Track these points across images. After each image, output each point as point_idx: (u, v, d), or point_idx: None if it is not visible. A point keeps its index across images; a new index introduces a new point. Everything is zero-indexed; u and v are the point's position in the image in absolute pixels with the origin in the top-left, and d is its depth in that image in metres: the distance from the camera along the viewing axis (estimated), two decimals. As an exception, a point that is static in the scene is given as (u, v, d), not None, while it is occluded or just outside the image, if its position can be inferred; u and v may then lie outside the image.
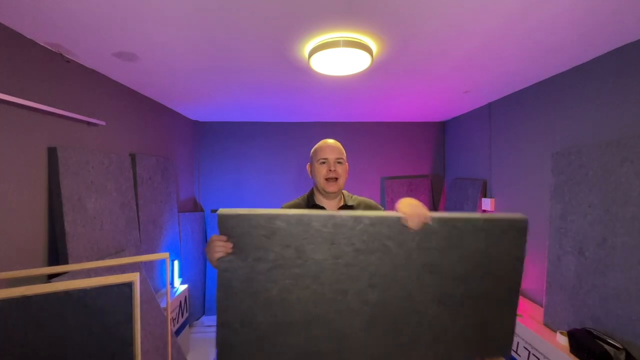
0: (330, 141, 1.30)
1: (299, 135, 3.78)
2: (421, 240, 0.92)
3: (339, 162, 1.26)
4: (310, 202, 1.30)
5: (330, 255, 0.91)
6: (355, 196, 1.36)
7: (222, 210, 0.90)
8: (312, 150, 1.33)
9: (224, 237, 0.89)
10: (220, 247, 0.88)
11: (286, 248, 0.90)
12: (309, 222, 0.90)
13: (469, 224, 0.94)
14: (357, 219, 0.90)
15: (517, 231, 1.02)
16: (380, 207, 1.36)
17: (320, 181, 1.26)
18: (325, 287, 0.92)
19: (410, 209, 0.90)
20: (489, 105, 2.87)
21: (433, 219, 0.91)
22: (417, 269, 0.93)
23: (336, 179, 1.24)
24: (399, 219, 0.90)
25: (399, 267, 0.93)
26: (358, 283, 0.92)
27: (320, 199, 1.30)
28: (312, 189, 1.36)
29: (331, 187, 1.24)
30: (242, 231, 0.89)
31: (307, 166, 1.36)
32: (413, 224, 0.89)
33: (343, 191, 1.34)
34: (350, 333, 0.94)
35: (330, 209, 1.28)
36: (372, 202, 1.36)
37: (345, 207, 1.30)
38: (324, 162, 1.26)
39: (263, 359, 0.94)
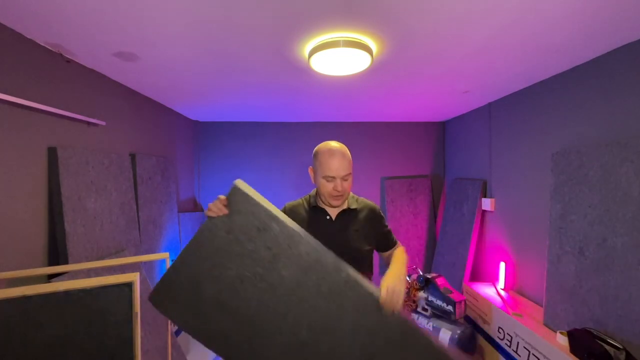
0: (338, 153, 1.15)
1: (299, 135, 3.78)
2: (376, 326, 0.93)
3: (346, 179, 1.16)
4: (311, 204, 1.26)
5: (296, 280, 0.92)
6: (360, 199, 1.31)
7: (239, 183, 0.94)
8: (315, 154, 1.21)
9: (225, 202, 0.92)
10: (217, 207, 0.92)
11: (267, 249, 0.92)
12: (298, 244, 0.92)
13: (420, 346, 0.92)
14: (338, 269, 0.92)
15: None
16: (383, 215, 1.32)
17: (325, 195, 1.18)
18: (273, 300, 0.93)
19: (390, 295, 0.93)
20: (489, 105, 2.87)
21: (399, 317, 0.93)
22: (357, 349, 0.92)
23: (342, 194, 1.18)
24: (371, 295, 0.92)
25: (344, 335, 0.92)
26: (300, 318, 0.93)
27: (322, 202, 1.25)
28: (316, 190, 1.29)
29: (336, 202, 1.19)
30: (242, 210, 0.92)
31: (309, 170, 1.25)
32: (386, 307, 0.92)
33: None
34: (268, 355, 0.95)
35: (332, 210, 1.24)
36: (376, 207, 1.31)
37: (348, 210, 1.24)
38: (330, 180, 1.15)
39: (192, 321, 0.96)
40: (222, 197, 0.93)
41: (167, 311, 0.98)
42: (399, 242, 1.35)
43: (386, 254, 1.33)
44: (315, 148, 1.24)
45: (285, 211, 1.27)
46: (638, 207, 1.50)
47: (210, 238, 0.93)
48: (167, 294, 0.97)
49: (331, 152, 1.16)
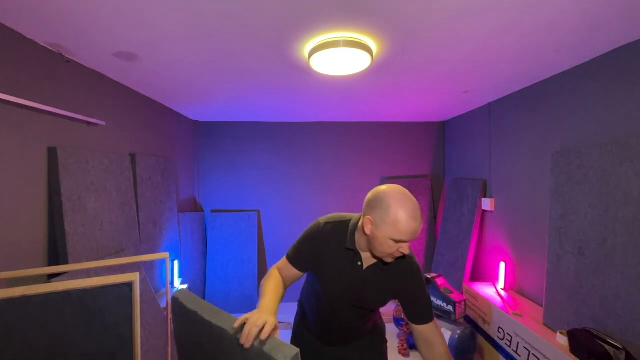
0: (419, 215, 0.96)
1: (299, 135, 3.78)
2: None
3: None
4: (347, 242, 1.09)
5: None
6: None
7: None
8: (385, 206, 0.96)
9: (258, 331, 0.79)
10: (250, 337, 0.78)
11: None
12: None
13: None
14: None
15: None
16: (422, 283, 1.13)
17: (383, 254, 1.02)
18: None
19: None
20: (489, 105, 2.87)
21: None
22: None
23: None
24: None
25: None
26: None
27: (360, 245, 1.08)
28: (356, 226, 1.10)
29: (390, 260, 1.03)
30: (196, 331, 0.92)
31: (367, 220, 1.00)
32: None
33: None
34: None
35: (367, 257, 1.10)
36: (416, 272, 1.11)
37: (382, 264, 1.09)
38: (398, 242, 0.97)
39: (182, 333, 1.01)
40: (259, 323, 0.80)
41: (175, 310, 1.01)
42: (435, 322, 1.12)
43: (419, 330, 1.11)
44: (384, 196, 0.98)
45: (320, 232, 1.14)
46: (638, 207, 1.49)
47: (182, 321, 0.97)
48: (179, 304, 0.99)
49: (414, 214, 0.94)
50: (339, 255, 1.10)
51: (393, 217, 0.94)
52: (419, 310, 1.11)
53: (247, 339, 0.76)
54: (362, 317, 1.19)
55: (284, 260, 1.18)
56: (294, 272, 1.16)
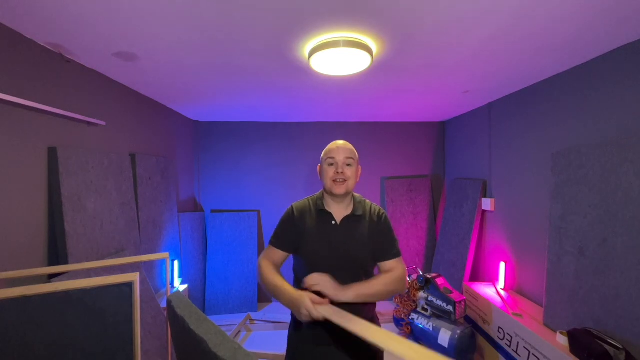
0: (340, 142, 1.24)
1: (298, 135, 3.78)
2: None
3: (348, 164, 1.20)
4: (318, 206, 1.25)
5: None
6: (371, 205, 1.29)
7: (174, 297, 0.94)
8: (322, 152, 1.27)
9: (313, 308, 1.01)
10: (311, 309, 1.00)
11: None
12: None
13: None
14: None
15: None
16: (388, 224, 1.26)
17: (328, 183, 1.20)
18: None
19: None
20: (489, 105, 2.87)
21: None
22: None
23: (344, 180, 1.18)
24: None
25: None
26: None
27: (329, 203, 1.25)
28: (322, 191, 1.30)
29: (338, 189, 1.18)
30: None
31: (318, 167, 1.30)
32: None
33: (355, 196, 1.28)
34: None
35: (338, 214, 1.23)
36: (381, 214, 1.27)
37: (353, 216, 1.23)
38: (332, 164, 1.20)
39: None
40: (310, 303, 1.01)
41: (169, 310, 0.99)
42: (399, 259, 1.24)
43: (382, 266, 1.23)
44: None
45: (293, 211, 1.27)
46: (638, 207, 1.50)
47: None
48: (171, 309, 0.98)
49: (334, 142, 1.26)
50: (315, 222, 1.23)
51: (324, 150, 1.26)
52: (384, 246, 1.23)
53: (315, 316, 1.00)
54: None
55: (268, 249, 1.27)
56: (280, 254, 1.24)
